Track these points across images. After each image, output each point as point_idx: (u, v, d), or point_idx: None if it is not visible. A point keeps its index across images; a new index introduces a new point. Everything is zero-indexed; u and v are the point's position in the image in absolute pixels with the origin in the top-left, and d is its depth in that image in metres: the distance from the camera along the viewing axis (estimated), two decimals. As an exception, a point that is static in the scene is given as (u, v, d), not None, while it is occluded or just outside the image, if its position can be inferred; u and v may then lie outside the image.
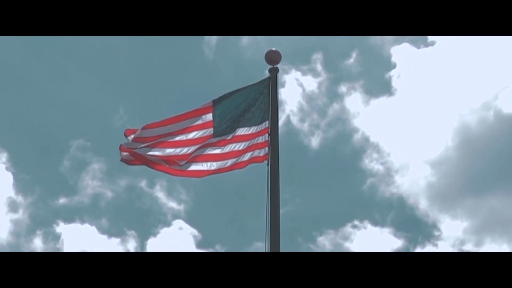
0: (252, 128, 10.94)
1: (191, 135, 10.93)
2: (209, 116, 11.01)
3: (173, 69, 32.11)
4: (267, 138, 10.80)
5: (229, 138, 10.95)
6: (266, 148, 10.77)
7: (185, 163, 10.82)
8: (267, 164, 10.59)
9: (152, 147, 10.81)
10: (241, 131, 10.95)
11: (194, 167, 10.90)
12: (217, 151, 10.92)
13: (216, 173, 10.91)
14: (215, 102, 11.05)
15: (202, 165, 10.92)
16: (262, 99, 10.97)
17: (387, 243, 29.04)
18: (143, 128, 10.89)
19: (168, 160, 10.81)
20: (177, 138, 10.88)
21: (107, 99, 31.54)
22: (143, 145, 10.80)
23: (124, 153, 10.84)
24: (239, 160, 10.88)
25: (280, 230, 9.94)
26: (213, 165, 10.88)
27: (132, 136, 10.87)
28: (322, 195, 30.46)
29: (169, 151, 10.81)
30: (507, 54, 30.72)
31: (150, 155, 10.76)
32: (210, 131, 10.95)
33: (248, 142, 10.90)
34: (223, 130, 10.98)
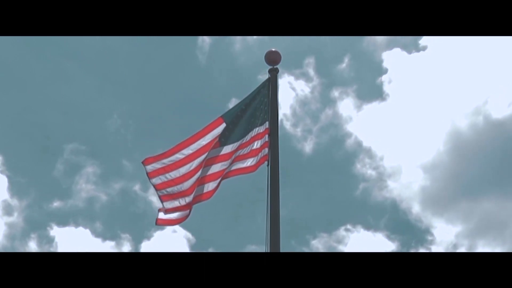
0: (254, 130, 10.92)
1: (204, 156, 10.75)
2: (219, 129, 10.85)
3: (167, 73, 32.17)
4: (267, 139, 10.79)
5: (235, 148, 10.86)
6: (266, 149, 10.75)
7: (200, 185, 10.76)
8: (267, 165, 10.59)
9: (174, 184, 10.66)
10: (246, 136, 10.88)
11: (209, 187, 10.81)
12: (227, 163, 10.85)
13: (227, 177, 10.90)
14: (224, 116, 10.91)
15: (215, 182, 10.82)
16: (262, 99, 10.95)
17: (380, 247, 29.08)
18: (160, 158, 10.66)
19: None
20: (193, 165, 10.70)
21: (102, 101, 31.58)
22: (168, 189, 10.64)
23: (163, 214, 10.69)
24: (249, 164, 10.84)
25: (280, 230, 9.95)
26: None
27: (152, 166, 10.61)
28: (315, 200, 30.50)
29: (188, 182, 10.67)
30: (497, 58, 30.94)
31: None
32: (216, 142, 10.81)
33: (253, 144, 10.87)
34: (230, 139, 10.85)
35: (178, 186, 10.60)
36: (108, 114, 31.06)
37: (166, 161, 10.60)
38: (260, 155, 10.83)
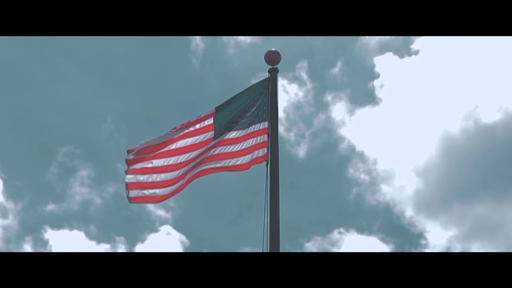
0: (251, 127, 10.96)
1: (192, 140, 10.93)
2: (210, 120, 11.00)
3: (161, 77, 32.22)
4: (266, 139, 10.81)
5: (229, 138, 10.97)
6: (265, 149, 10.77)
7: (188, 169, 10.86)
8: (266, 165, 10.60)
9: (153, 158, 10.79)
10: (242, 132, 10.95)
11: (196, 170, 10.94)
12: (217, 151, 10.95)
13: (218, 171, 10.95)
14: (218, 108, 11.04)
15: (204, 166, 10.97)
16: (262, 99, 10.97)
17: (374, 251, 29.08)
18: (144, 143, 10.88)
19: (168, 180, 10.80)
20: (178, 145, 10.88)
21: (97, 104, 31.64)
22: (146, 157, 10.78)
23: (132, 191, 10.78)
24: (244, 161, 10.89)
25: (280, 230, 9.95)
26: (217, 164, 10.92)
27: (133, 154, 10.81)
28: (309, 203, 30.52)
29: (169, 160, 10.79)
30: (487, 63, 31.16)
31: (151, 186, 10.73)
32: (211, 134, 10.96)
33: (249, 142, 10.92)
34: (223, 130, 10.99)
35: (156, 176, 10.74)
36: (103, 117, 31.11)
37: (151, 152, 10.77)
38: (255, 153, 10.87)
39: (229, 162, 10.90)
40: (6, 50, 30.30)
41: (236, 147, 10.93)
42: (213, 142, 10.93)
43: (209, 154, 10.94)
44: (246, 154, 10.87)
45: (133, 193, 10.69)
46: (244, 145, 10.91)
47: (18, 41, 28.58)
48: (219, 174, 11.13)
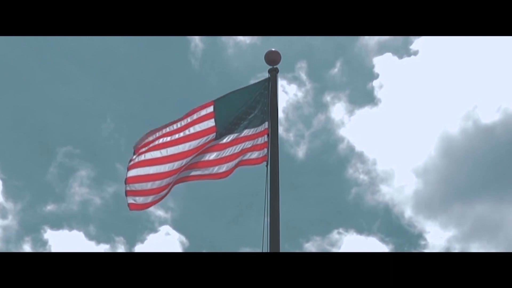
0: (252, 129, 10.95)
1: (194, 143, 10.86)
2: (211, 122, 10.98)
3: (160, 78, 32.19)
4: (266, 139, 10.80)
5: (228, 141, 10.94)
6: (265, 150, 10.77)
7: (184, 170, 10.84)
8: (266, 165, 10.60)
9: (156, 163, 10.75)
10: (238, 135, 10.93)
11: (193, 172, 10.92)
12: (215, 155, 10.93)
13: (200, 179, 10.96)
14: (217, 105, 10.97)
15: (201, 171, 10.95)
16: (263, 101, 10.95)
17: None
18: (146, 134, 10.91)
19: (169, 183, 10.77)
20: (180, 149, 10.81)
21: (97, 104, 31.63)
22: (148, 159, 10.77)
23: (134, 198, 10.75)
24: (225, 168, 10.88)
25: (280, 230, 9.96)
26: (202, 171, 10.91)
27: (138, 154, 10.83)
28: (308, 204, 30.52)
29: (172, 165, 10.73)
30: (485, 64, 31.18)
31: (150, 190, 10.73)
32: (212, 136, 10.90)
33: (243, 144, 10.91)
34: (224, 132, 10.93)
35: (151, 183, 10.70)
36: (103, 117, 31.13)
37: (148, 154, 10.74)
38: (252, 154, 10.87)
39: (212, 170, 10.89)
40: (6, 50, 30.37)
41: (226, 152, 10.90)
42: (210, 144, 10.90)
43: (200, 160, 10.90)
44: (230, 160, 10.87)
45: (136, 199, 10.70)
46: (233, 150, 10.89)
47: (18, 41, 28.65)
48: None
